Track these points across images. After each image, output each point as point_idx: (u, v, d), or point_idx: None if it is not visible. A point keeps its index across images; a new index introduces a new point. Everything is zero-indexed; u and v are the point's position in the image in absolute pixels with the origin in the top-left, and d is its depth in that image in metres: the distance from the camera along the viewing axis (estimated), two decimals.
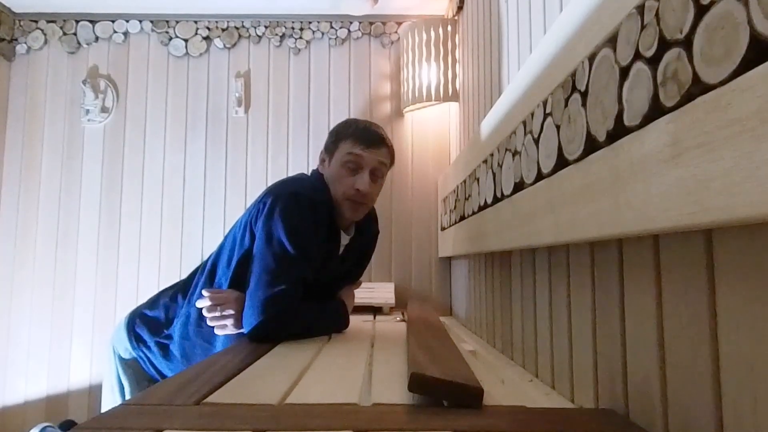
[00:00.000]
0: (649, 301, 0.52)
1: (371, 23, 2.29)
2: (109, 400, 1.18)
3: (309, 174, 1.25)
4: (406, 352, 0.89)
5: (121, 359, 1.18)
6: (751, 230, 0.39)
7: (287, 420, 0.53)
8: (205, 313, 1.05)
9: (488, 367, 0.95)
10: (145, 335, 1.15)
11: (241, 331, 1.04)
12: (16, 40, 2.27)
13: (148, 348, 1.15)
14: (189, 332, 1.11)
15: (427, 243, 2.21)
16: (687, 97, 0.40)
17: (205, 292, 1.06)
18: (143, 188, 2.24)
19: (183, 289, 1.19)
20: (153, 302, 1.21)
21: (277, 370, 0.78)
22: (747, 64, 0.34)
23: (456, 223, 1.62)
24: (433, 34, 2.08)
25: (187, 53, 2.28)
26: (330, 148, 1.18)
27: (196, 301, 1.10)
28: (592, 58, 0.59)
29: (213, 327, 1.07)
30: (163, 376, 1.15)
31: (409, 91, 2.15)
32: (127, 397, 1.16)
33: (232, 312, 1.04)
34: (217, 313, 1.04)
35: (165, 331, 1.15)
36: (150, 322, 1.16)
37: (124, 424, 0.51)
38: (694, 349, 0.45)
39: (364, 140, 1.13)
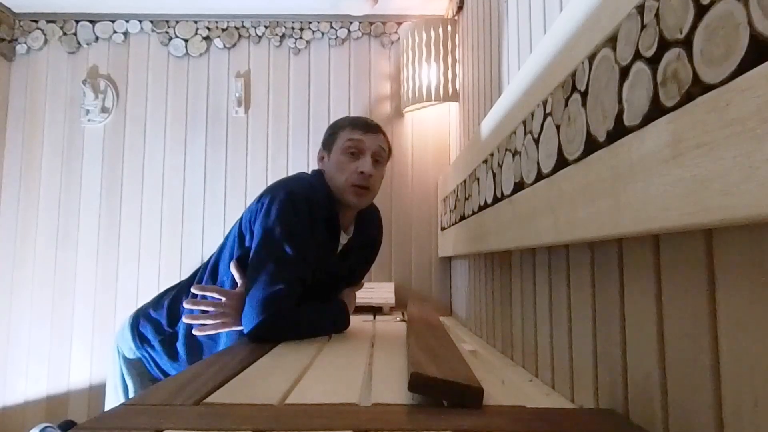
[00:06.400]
0: (649, 301, 0.52)
1: (371, 23, 2.29)
2: (113, 401, 1.18)
3: (309, 173, 1.25)
4: (406, 352, 0.89)
5: (126, 359, 1.18)
6: (751, 230, 0.39)
7: (287, 420, 0.53)
8: (191, 321, 1.05)
9: (488, 367, 0.95)
10: (150, 335, 1.15)
11: (240, 329, 1.04)
12: (16, 40, 2.27)
13: (153, 348, 1.15)
14: (193, 331, 1.11)
15: (427, 243, 2.21)
16: (687, 97, 0.40)
17: (194, 289, 1.06)
18: (143, 188, 2.24)
19: (186, 289, 1.18)
20: (157, 302, 1.21)
21: (277, 370, 0.78)
22: (747, 64, 0.34)
23: (456, 223, 1.62)
24: (433, 34, 2.08)
25: (187, 53, 2.28)
26: (328, 141, 1.19)
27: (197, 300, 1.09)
28: (592, 58, 0.59)
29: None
30: (168, 376, 1.15)
31: (409, 91, 2.15)
32: (131, 397, 1.16)
33: (228, 310, 1.04)
34: (213, 314, 1.04)
35: (169, 330, 1.15)
36: (154, 322, 1.16)
37: (124, 424, 0.51)
38: (694, 349, 0.45)
39: (361, 126, 1.16)
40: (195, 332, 1.06)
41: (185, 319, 1.06)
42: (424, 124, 2.26)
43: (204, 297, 1.08)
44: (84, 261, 2.20)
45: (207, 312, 1.04)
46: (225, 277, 1.12)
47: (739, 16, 0.35)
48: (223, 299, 1.05)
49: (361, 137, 1.14)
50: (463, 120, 1.94)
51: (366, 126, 1.16)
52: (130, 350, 1.17)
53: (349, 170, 1.13)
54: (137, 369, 1.17)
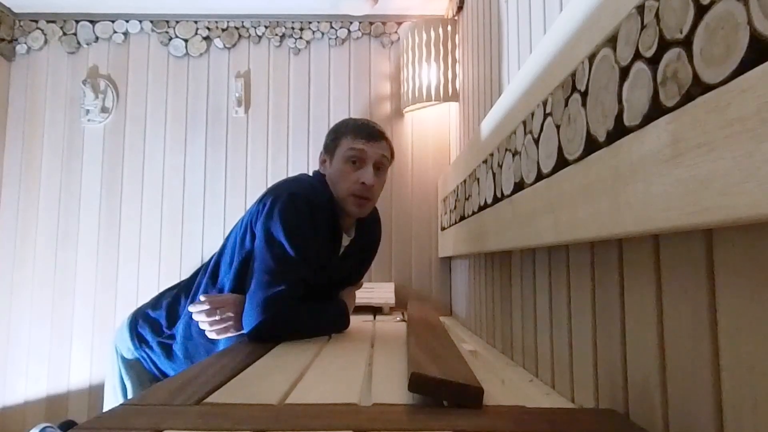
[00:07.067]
0: (649, 301, 0.52)
1: (371, 23, 2.29)
2: (112, 401, 1.18)
3: (311, 175, 1.25)
4: (406, 352, 0.89)
5: (124, 359, 1.18)
6: (751, 230, 0.39)
7: (287, 420, 0.53)
8: (203, 318, 1.05)
9: (488, 367, 0.95)
10: (148, 335, 1.15)
11: (242, 332, 1.04)
12: (16, 40, 2.27)
13: (151, 348, 1.15)
14: (192, 332, 1.11)
15: (427, 243, 2.21)
16: (687, 97, 0.40)
17: (202, 298, 1.06)
18: (143, 188, 2.24)
19: (185, 289, 1.19)
20: (155, 302, 1.21)
21: (277, 370, 0.78)
22: (747, 64, 0.34)
23: (456, 223, 1.62)
24: (433, 34, 2.08)
25: (187, 53, 2.28)
26: (330, 147, 1.17)
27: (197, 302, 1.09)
28: (592, 58, 0.59)
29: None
30: (166, 376, 1.15)
31: (409, 91, 2.15)
32: (130, 397, 1.16)
33: (231, 315, 1.04)
34: (217, 317, 1.04)
35: (168, 331, 1.15)
36: (152, 323, 1.16)
37: (124, 424, 0.51)
38: (694, 349, 0.45)
39: (364, 134, 1.14)
40: (209, 336, 1.06)
41: (201, 325, 1.06)
42: (424, 124, 2.26)
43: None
44: (84, 261, 2.20)
45: (212, 317, 1.04)
46: (225, 278, 1.12)
47: (739, 16, 0.35)
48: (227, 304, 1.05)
49: (363, 147, 1.12)
50: (463, 120, 1.94)
51: (369, 134, 1.14)
52: (129, 351, 1.17)
53: (350, 180, 1.12)
54: (136, 369, 1.17)
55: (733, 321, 0.41)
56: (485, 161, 1.17)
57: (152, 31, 2.29)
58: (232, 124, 2.26)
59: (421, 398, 0.61)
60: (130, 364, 1.17)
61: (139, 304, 1.25)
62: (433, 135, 2.26)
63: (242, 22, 2.29)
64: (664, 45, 0.44)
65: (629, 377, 0.56)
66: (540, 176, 0.76)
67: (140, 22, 2.28)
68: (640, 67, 0.47)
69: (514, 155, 0.92)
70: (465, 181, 1.45)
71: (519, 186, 0.88)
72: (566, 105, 0.66)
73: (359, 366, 0.81)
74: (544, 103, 0.75)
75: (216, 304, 1.05)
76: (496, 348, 1.19)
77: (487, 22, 1.52)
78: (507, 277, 1.11)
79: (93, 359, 2.16)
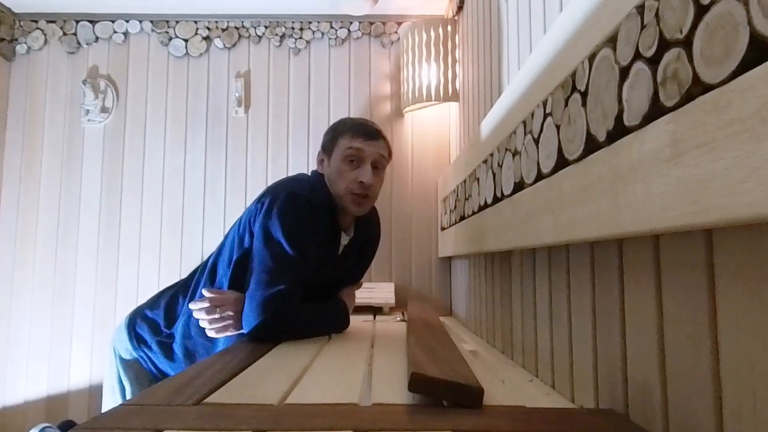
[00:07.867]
0: (649, 301, 0.52)
1: (371, 23, 2.29)
2: (110, 401, 1.18)
3: (309, 174, 1.25)
4: (406, 352, 0.89)
5: (122, 360, 1.18)
6: (751, 230, 0.39)
7: (287, 420, 0.53)
8: (203, 315, 1.05)
9: (488, 367, 0.95)
10: (147, 335, 1.15)
11: (242, 331, 1.04)
12: (16, 40, 2.27)
13: (150, 348, 1.15)
14: (191, 331, 1.11)
15: (427, 243, 2.21)
16: (687, 97, 0.40)
17: (205, 292, 1.06)
18: (143, 188, 2.24)
19: (184, 289, 1.19)
20: (154, 302, 1.21)
21: (277, 370, 0.78)
22: (747, 64, 0.34)
23: (456, 223, 1.62)
24: (433, 34, 2.08)
25: (187, 53, 2.28)
26: (328, 146, 1.18)
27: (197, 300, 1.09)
28: (592, 58, 0.59)
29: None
30: (165, 376, 1.15)
31: (409, 91, 2.15)
32: (128, 398, 1.16)
33: (231, 314, 1.04)
34: (217, 315, 1.04)
35: (166, 330, 1.15)
36: (151, 322, 1.16)
37: (124, 424, 0.51)
38: (694, 350, 0.45)
39: (362, 133, 1.14)
40: (209, 334, 1.06)
41: (201, 323, 1.06)
42: (424, 124, 2.26)
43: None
44: (84, 261, 2.20)
45: (212, 315, 1.04)
46: (224, 278, 1.12)
47: (739, 16, 0.35)
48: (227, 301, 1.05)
49: (361, 146, 1.13)
50: (463, 120, 1.94)
51: (366, 134, 1.14)
52: (127, 351, 1.17)
53: (348, 179, 1.13)
54: (134, 370, 1.17)
55: (733, 321, 0.41)
56: (485, 161, 1.17)
57: (152, 31, 2.29)
58: (232, 124, 2.26)
59: (421, 398, 0.61)
60: (128, 365, 1.17)
61: (139, 304, 1.25)
62: (433, 135, 2.26)
63: (242, 22, 2.29)
64: (664, 45, 0.44)
65: (629, 377, 0.56)
66: (540, 176, 0.76)
67: (140, 22, 2.28)
68: (640, 67, 0.47)
69: (514, 155, 0.92)
70: (465, 181, 1.45)
71: (519, 186, 0.88)
72: (566, 105, 0.66)
73: (359, 366, 0.81)
74: (544, 103, 0.75)
75: (216, 301, 1.05)
76: (496, 348, 1.19)
77: (487, 22, 1.52)
78: (507, 277, 1.11)
79: (93, 359, 2.16)
